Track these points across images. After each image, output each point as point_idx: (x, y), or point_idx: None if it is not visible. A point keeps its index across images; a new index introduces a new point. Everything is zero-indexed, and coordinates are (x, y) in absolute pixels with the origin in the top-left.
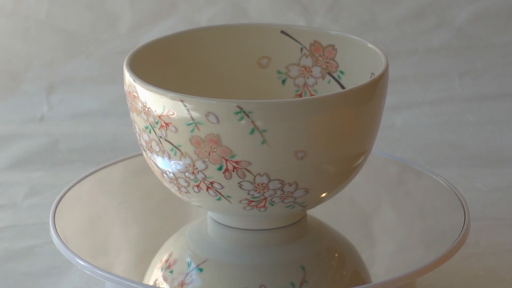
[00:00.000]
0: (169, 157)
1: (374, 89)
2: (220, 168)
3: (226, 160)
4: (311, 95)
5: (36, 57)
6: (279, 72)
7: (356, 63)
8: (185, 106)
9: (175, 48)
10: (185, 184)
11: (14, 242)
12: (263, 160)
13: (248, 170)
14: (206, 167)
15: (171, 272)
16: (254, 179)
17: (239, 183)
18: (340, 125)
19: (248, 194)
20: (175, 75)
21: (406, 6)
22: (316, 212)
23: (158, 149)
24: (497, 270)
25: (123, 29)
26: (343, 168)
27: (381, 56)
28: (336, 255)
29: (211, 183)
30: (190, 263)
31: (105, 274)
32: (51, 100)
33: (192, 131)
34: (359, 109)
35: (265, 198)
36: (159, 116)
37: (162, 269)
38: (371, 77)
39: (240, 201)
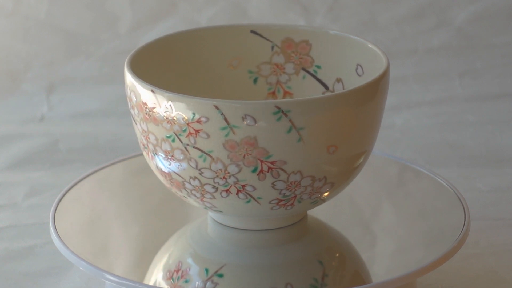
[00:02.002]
0: (197, 165)
1: (379, 85)
2: (254, 170)
3: (262, 161)
4: (285, 91)
5: (36, 57)
6: (250, 72)
7: (336, 57)
8: (219, 111)
9: (175, 48)
10: (212, 190)
11: (14, 242)
12: (298, 158)
13: (283, 170)
14: (240, 170)
15: (187, 281)
16: (287, 178)
17: (272, 183)
18: (366, 118)
19: (280, 193)
20: (175, 75)
21: (406, 6)
22: (316, 212)
23: (182, 157)
24: (497, 270)
25: (123, 29)
26: (360, 160)
27: (382, 56)
28: (337, 255)
29: (243, 186)
30: (208, 269)
31: (105, 274)
32: (51, 100)
33: (226, 135)
34: (360, 109)
35: (295, 196)
36: (188, 124)
37: (173, 280)
38: (357, 69)
39: (270, 202)
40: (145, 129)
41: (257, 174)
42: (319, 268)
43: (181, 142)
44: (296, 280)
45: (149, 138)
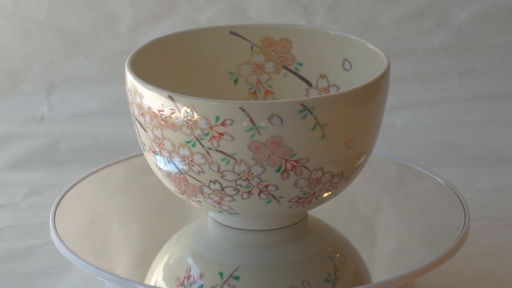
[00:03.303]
0: (218, 168)
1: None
2: (278, 170)
3: (286, 160)
4: (266, 91)
5: (36, 57)
6: (230, 73)
7: (319, 53)
8: (245, 112)
9: (175, 48)
10: (233, 193)
11: (14, 242)
12: (321, 154)
13: (306, 167)
14: (264, 171)
15: (201, 287)
16: (310, 175)
17: (295, 182)
18: (378, 111)
19: (301, 191)
20: (175, 75)
21: (406, 6)
22: (317, 213)
23: (203, 162)
24: (497, 270)
25: (123, 29)
26: (369, 153)
27: (382, 56)
28: (337, 255)
29: (266, 186)
30: (222, 273)
31: (106, 274)
32: (51, 100)
33: (252, 136)
34: (372, 102)
35: (314, 193)
36: (211, 127)
37: (184, 286)
38: (343, 64)
39: (290, 200)
40: (159, 135)
41: (281, 174)
42: (330, 263)
43: (203, 146)
44: (311, 276)
45: (163, 145)
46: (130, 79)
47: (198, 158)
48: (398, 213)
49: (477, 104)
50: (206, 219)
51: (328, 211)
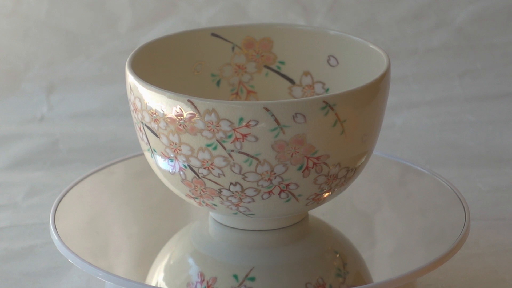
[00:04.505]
0: (240, 170)
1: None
2: (300, 168)
3: (308, 158)
4: (248, 91)
5: (36, 57)
6: (212, 75)
7: (301, 50)
8: (270, 112)
9: (175, 48)
10: (253, 194)
11: (14, 242)
12: (340, 150)
13: (326, 164)
14: (286, 170)
15: None
16: (328, 172)
17: (314, 179)
18: (384, 107)
19: (319, 188)
20: (175, 75)
21: (406, 6)
22: (317, 213)
23: (224, 164)
24: (497, 270)
25: (123, 29)
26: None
27: (383, 56)
28: (338, 255)
29: (287, 185)
30: (237, 276)
31: (106, 274)
32: (51, 100)
33: (276, 136)
34: (383, 96)
35: (331, 189)
36: (234, 130)
37: None
38: (329, 60)
39: (307, 198)
40: (176, 141)
41: (302, 171)
42: (337, 259)
43: (225, 148)
44: (323, 273)
45: (180, 150)
46: (133, 81)
47: (219, 161)
48: (398, 213)
49: (477, 104)
50: (207, 220)
51: (328, 211)
